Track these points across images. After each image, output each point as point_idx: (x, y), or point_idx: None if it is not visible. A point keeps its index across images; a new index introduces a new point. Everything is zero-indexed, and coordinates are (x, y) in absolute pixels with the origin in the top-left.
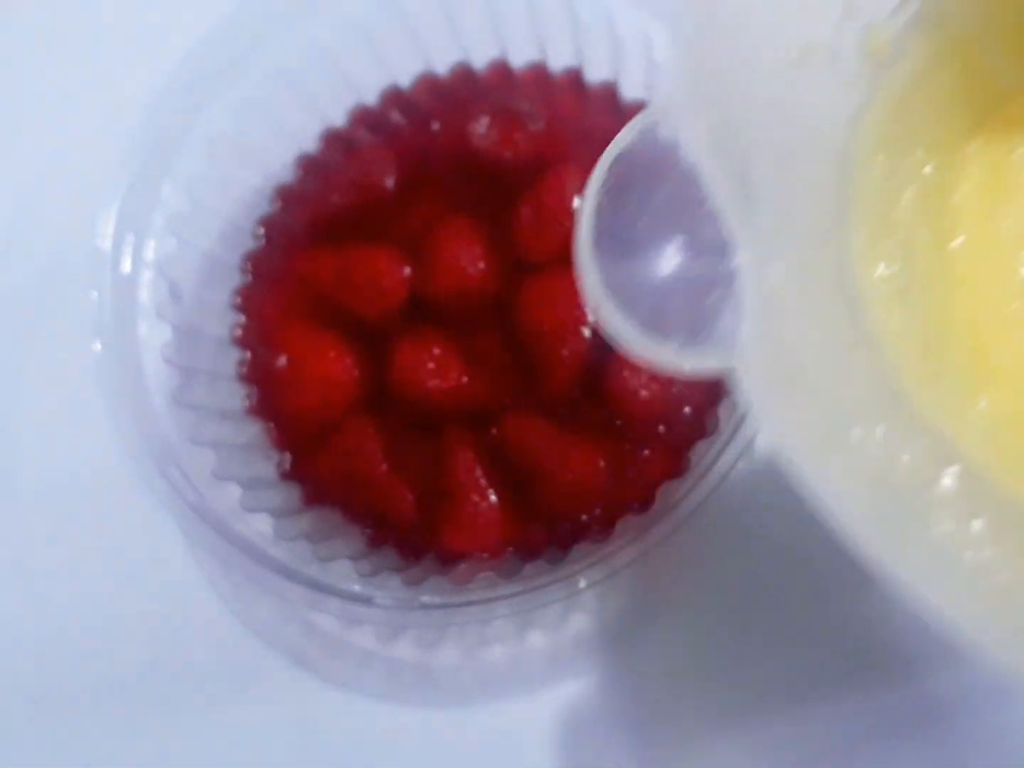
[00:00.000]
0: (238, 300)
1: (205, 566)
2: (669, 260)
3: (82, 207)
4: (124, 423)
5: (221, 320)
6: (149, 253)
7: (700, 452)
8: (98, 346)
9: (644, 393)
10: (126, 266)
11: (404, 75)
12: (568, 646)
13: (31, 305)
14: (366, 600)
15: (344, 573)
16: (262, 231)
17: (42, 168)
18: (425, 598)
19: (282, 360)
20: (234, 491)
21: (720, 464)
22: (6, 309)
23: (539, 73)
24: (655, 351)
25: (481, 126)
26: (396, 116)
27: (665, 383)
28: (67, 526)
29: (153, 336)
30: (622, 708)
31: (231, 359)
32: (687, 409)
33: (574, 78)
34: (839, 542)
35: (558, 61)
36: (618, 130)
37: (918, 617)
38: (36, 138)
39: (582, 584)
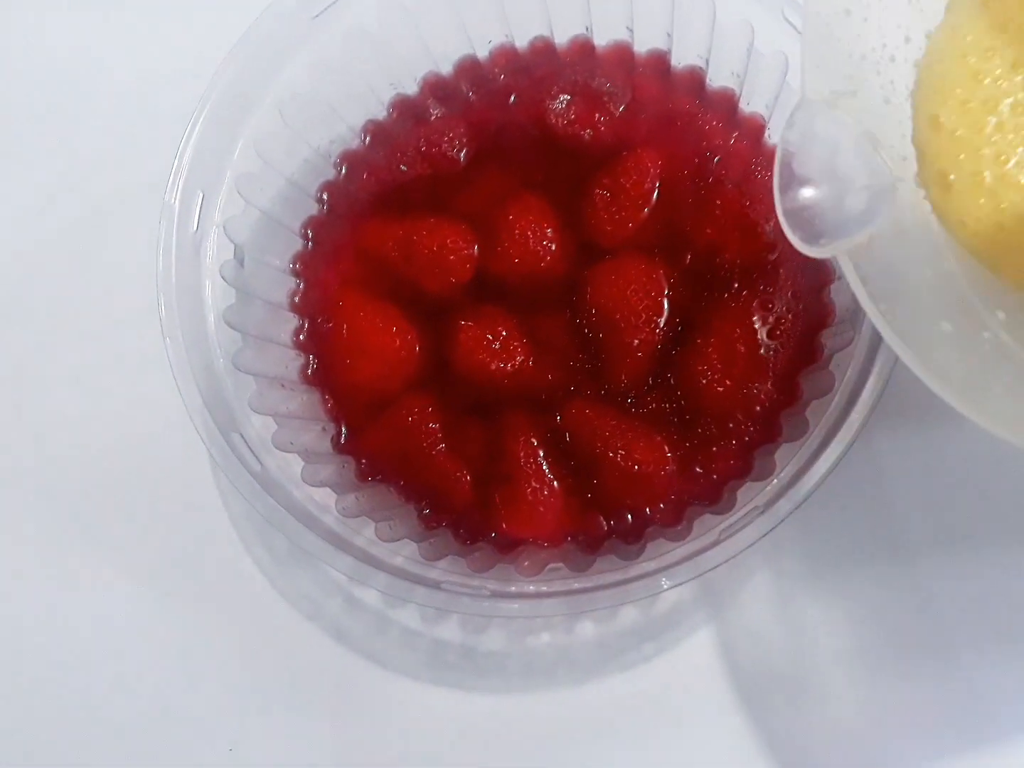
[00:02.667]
0: (297, 266)
1: (246, 538)
2: None
3: (154, 161)
4: (187, 388)
5: (279, 285)
6: (216, 213)
7: (788, 456)
8: (163, 307)
9: (718, 388)
10: (193, 224)
11: (482, 45)
12: (617, 638)
13: (95, 262)
14: (433, 585)
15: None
16: (325, 197)
17: (117, 119)
18: (492, 586)
19: (341, 330)
20: (297, 463)
21: (813, 471)
22: (70, 265)
23: (623, 53)
24: None
25: (560, 104)
26: (470, 87)
27: (738, 380)
28: (122, 490)
29: (216, 298)
30: (671, 704)
31: (289, 325)
32: (758, 408)
33: (659, 60)
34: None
35: (645, 42)
36: (700, 117)
37: None
38: (115, 84)
39: (664, 585)
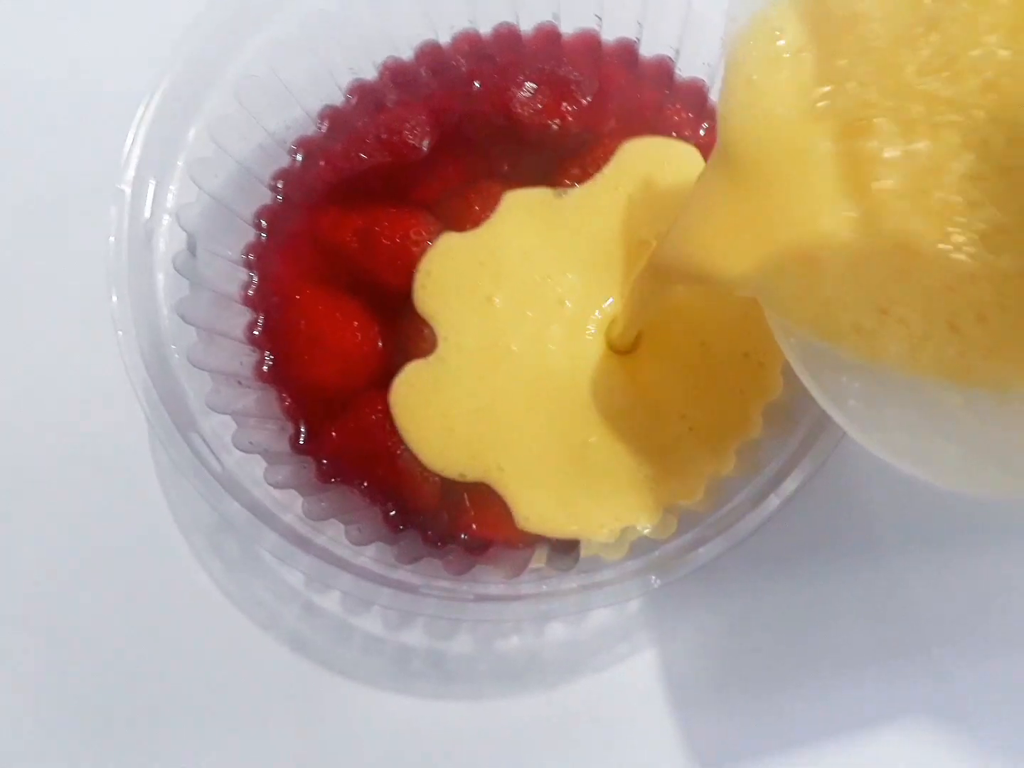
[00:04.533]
0: (251, 257)
1: (195, 544)
2: None
3: (106, 144)
4: (141, 385)
5: (232, 277)
6: (169, 199)
7: (768, 455)
8: (114, 298)
9: None
10: (146, 212)
11: (445, 30)
12: (588, 638)
13: (47, 250)
14: (412, 589)
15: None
16: (280, 185)
17: (67, 101)
18: (479, 589)
19: (298, 325)
20: (255, 463)
21: (796, 472)
22: (18, 253)
23: (590, 41)
24: None
25: (526, 92)
26: (431, 73)
27: None
28: (71, 490)
29: (170, 289)
30: (643, 705)
31: (242, 320)
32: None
33: (627, 49)
34: None
35: (613, 31)
36: (669, 108)
37: None
38: (65, 63)
39: (655, 582)
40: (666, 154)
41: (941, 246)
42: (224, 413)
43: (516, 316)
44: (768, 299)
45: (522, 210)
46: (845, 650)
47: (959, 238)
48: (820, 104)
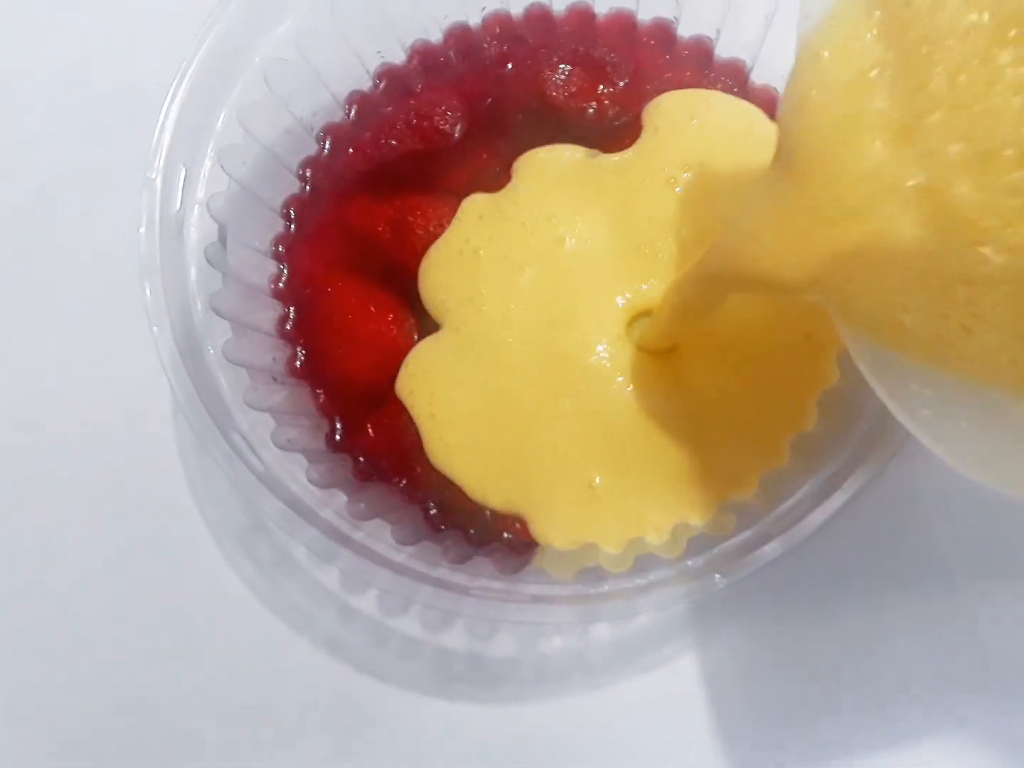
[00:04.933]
0: (279, 249)
1: (226, 547)
2: None
3: (134, 131)
4: (179, 382)
5: (261, 270)
6: (200, 189)
7: (826, 450)
8: (148, 292)
9: None
10: (176, 202)
11: (475, 11)
12: (634, 639)
13: (74, 240)
14: (455, 588)
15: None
16: (308, 174)
17: (93, 86)
18: (533, 590)
19: (330, 319)
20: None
21: (862, 469)
22: (49, 244)
23: (624, 22)
24: None
25: (560, 75)
26: (461, 56)
27: None
28: (97, 493)
29: (203, 282)
30: (691, 707)
31: (274, 314)
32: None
33: (664, 29)
34: None
35: (649, 9)
36: (708, 88)
37: None
38: (89, 49)
39: (719, 582)
40: (712, 111)
41: (1010, 256)
42: (262, 410)
43: (535, 309)
44: (836, 304)
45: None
46: (899, 681)
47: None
48: (897, 112)
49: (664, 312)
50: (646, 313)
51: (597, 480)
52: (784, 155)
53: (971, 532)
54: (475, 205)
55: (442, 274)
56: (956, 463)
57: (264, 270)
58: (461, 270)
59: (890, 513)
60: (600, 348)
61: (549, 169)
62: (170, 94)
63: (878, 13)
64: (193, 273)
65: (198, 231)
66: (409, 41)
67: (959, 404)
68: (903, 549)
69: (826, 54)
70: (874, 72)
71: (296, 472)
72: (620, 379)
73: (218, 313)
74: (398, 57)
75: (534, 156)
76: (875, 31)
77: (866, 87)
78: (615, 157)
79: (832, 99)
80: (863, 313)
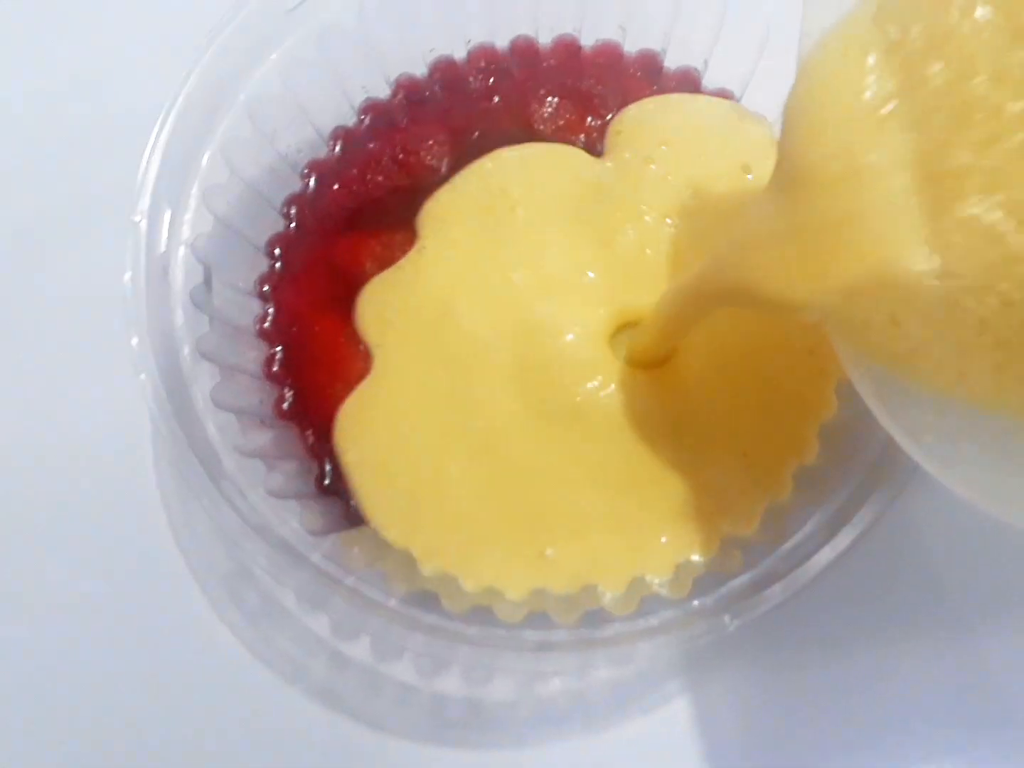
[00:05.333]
0: (265, 289)
1: (212, 595)
2: None
3: (117, 169)
4: (168, 429)
5: (247, 310)
6: (184, 229)
7: (830, 482)
8: (135, 340)
9: None
10: (161, 245)
11: (460, 45)
12: (634, 679)
13: (58, 282)
14: (449, 635)
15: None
16: (293, 211)
17: (75, 121)
18: (529, 634)
19: (318, 359)
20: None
21: (871, 503)
22: (32, 287)
23: (611, 53)
24: None
25: (548, 108)
26: (446, 90)
27: None
28: (78, 543)
29: (189, 325)
30: (693, 747)
31: (261, 355)
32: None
33: (650, 60)
34: None
35: (637, 42)
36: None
37: None
38: (72, 84)
39: (729, 623)
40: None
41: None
42: (251, 456)
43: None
44: (834, 326)
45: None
46: (904, 723)
47: None
48: (900, 136)
49: (655, 323)
50: (631, 325)
51: (536, 556)
52: (785, 176)
53: (979, 569)
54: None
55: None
56: (962, 491)
57: (249, 310)
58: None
59: (894, 548)
60: (589, 384)
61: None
62: (155, 132)
63: (880, 34)
64: (179, 317)
65: (183, 273)
66: (394, 75)
67: (964, 430)
68: (907, 586)
69: (827, 75)
70: (876, 95)
71: (286, 516)
72: (612, 408)
73: (204, 356)
74: (383, 91)
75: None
76: (878, 52)
77: (870, 111)
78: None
79: (834, 124)
80: (863, 334)
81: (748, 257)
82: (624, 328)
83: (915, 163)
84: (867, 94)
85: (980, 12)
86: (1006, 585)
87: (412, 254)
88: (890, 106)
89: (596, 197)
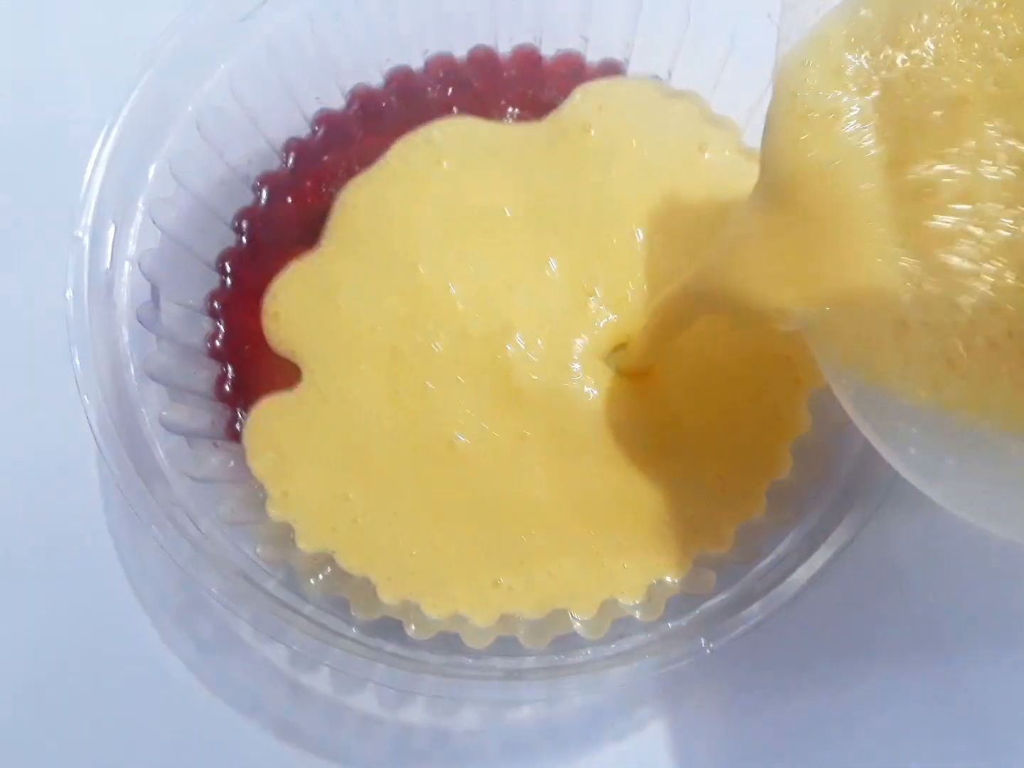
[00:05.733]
0: (215, 306)
1: (162, 626)
2: None
3: (60, 182)
4: (113, 454)
5: (197, 328)
6: (130, 245)
7: (804, 500)
8: (77, 360)
9: None
10: (106, 261)
11: (417, 55)
12: (606, 704)
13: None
14: (411, 665)
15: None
16: (244, 225)
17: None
18: (497, 661)
19: (272, 379)
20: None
21: (848, 520)
22: None
23: (572, 63)
24: None
25: (508, 118)
26: (403, 101)
27: None
28: (22, 573)
29: (136, 344)
30: None
31: (212, 374)
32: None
33: (613, 70)
34: None
35: (600, 52)
36: None
37: None
38: (16, 106)
39: (706, 647)
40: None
41: (994, 294)
42: (202, 481)
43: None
44: (815, 336)
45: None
46: (879, 752)
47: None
48: (877, 148)
49: (643, 331)
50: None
51: (502, 580)
52: (767, 184)
53: (955, 590)
54: None
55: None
56: (948, 504)
57: (199, 328)
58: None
59: (868, 568)
60: (574, 400)
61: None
62: (99, 144)
63: (859, 43)
64: (125, 335)
65: (129, 290)
66: (348, 85)
67: (948, 442)
68: (883, 606)
69: (803, 84)
70: (851, 105)
71: (239, 543)
72: (590, 424)
73: (152, 377)
74: (337, 102)
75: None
76: (858, 61)
77: (845, 121)
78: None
79: (812, 134)
80: (845, 344)
81: (733, 263)
82: (618, 348)
83: (888, 172)
84: (843, 104)
85: (947, 32)
86: (982, 606)
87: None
88: (865, 115)
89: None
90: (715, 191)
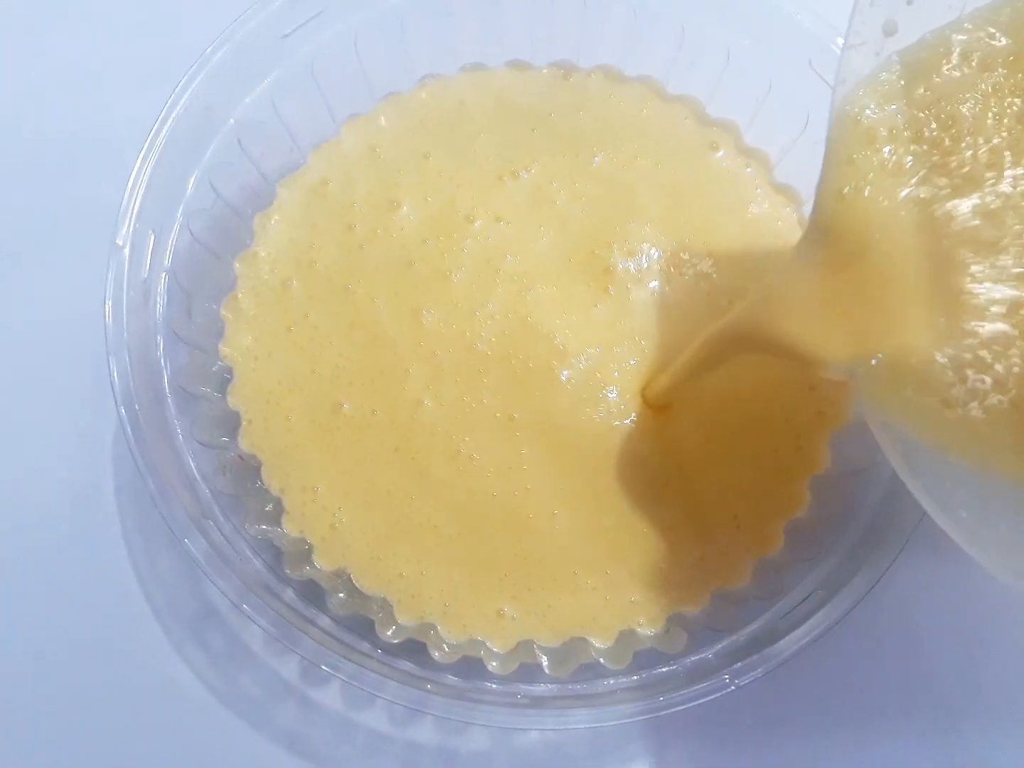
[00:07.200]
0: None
1: (174, 636)
2: None
3: (103, 190)
4: (147, 467)
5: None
6: (167, 256)
7: (825, 550)
8: (114, 371)
9: None
10: (144, 270)
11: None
12: (615, 728)
13: (38, 304)
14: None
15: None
16: None
17: (60, 144)
18: (524, 689)
19: None
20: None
21: (867, 568)
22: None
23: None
24: None
25: None
26: None
27: None
28: (39, 583)
29: (169, 352)
30: None
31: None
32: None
33: None
34: None
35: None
36: None
37: None
38: (62, 112)
39: (730, 684)
40: None
41: None
42: (231, 494)
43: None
44: (862, 386)
45: None
46: None
47: None
48: (921, 196)
49: (676, 366)
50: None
51: (506, 609)
52: (819, 230)
53: (967, 650)
54: None
55: None
56: (994, 569)
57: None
58: None
59: (878, 624)
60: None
61: None
62: (143, 154)
63: (919, 91)
64: (160, 345)
65: (164, 299)
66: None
67: (999, 506)
68: (896, 675)
69: (857, 136)
70: (903, 159)
71: (260, 551)
72: (611, 455)
73: (184, 387)
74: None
75: None
76: (904, 112)
77: (898, 174)
78: None
79: (875, 188)
80: (889, 399)
81: (785, 309)
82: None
83: (942, 232)
84: (897, 158)
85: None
86: (995, 672)
87: None
88: (917, 169)
89: None
90: (758, 239)
